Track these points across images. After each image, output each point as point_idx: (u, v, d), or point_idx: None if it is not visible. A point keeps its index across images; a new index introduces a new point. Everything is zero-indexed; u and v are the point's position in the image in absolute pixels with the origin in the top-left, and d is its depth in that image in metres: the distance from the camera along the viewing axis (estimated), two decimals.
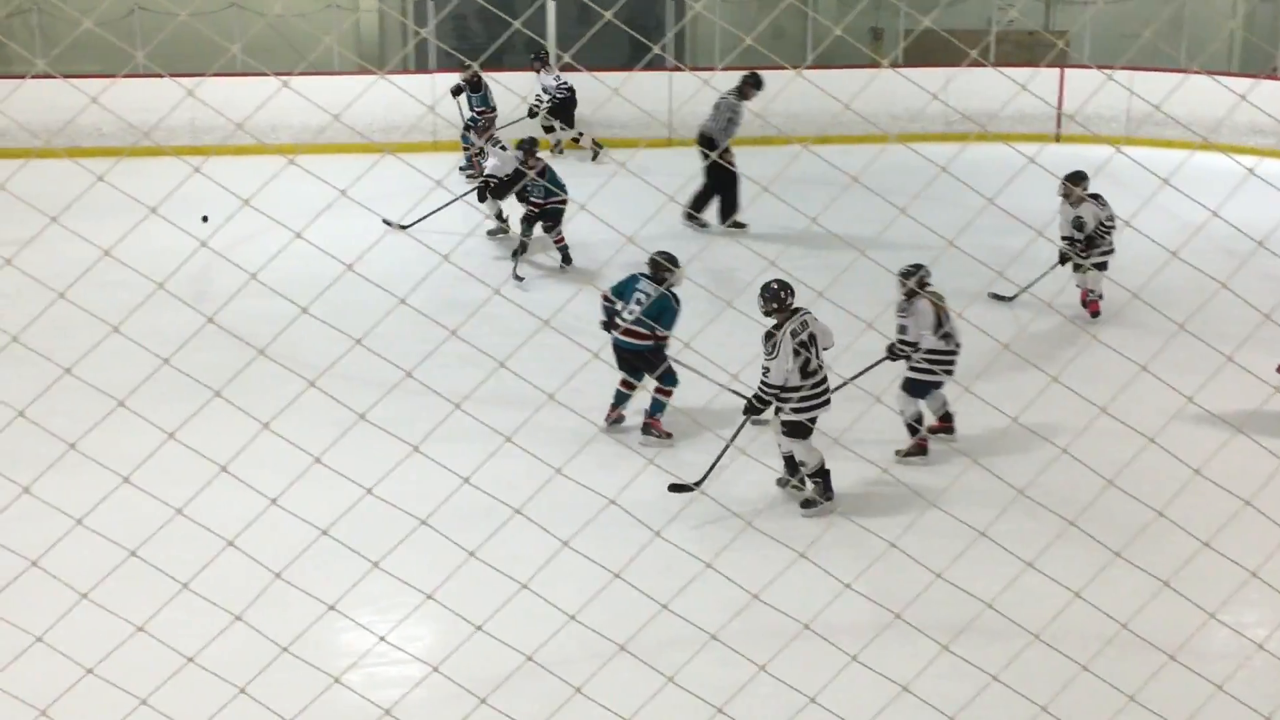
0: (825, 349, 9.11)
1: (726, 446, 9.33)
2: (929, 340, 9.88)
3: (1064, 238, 13.19)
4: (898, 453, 10.15)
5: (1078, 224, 13.03)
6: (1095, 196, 13.01)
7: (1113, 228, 13.02)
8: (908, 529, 7.39)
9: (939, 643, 5.55)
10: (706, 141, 16.77)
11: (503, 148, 16.58)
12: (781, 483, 9.55)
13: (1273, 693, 6.45)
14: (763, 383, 9.04)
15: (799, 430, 9.11)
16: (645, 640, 5.94)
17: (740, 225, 16.82)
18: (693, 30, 25.63)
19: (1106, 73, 18.64)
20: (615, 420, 10.79)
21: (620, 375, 10.65)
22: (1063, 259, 13.24)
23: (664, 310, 10.31)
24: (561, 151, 21.29)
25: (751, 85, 16.92)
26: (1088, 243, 13.00)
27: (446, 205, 16.03)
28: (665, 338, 10.34)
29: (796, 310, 9.05)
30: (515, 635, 5.65)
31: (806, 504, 9.28)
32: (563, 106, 20.95)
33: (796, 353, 8.95)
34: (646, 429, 10.64)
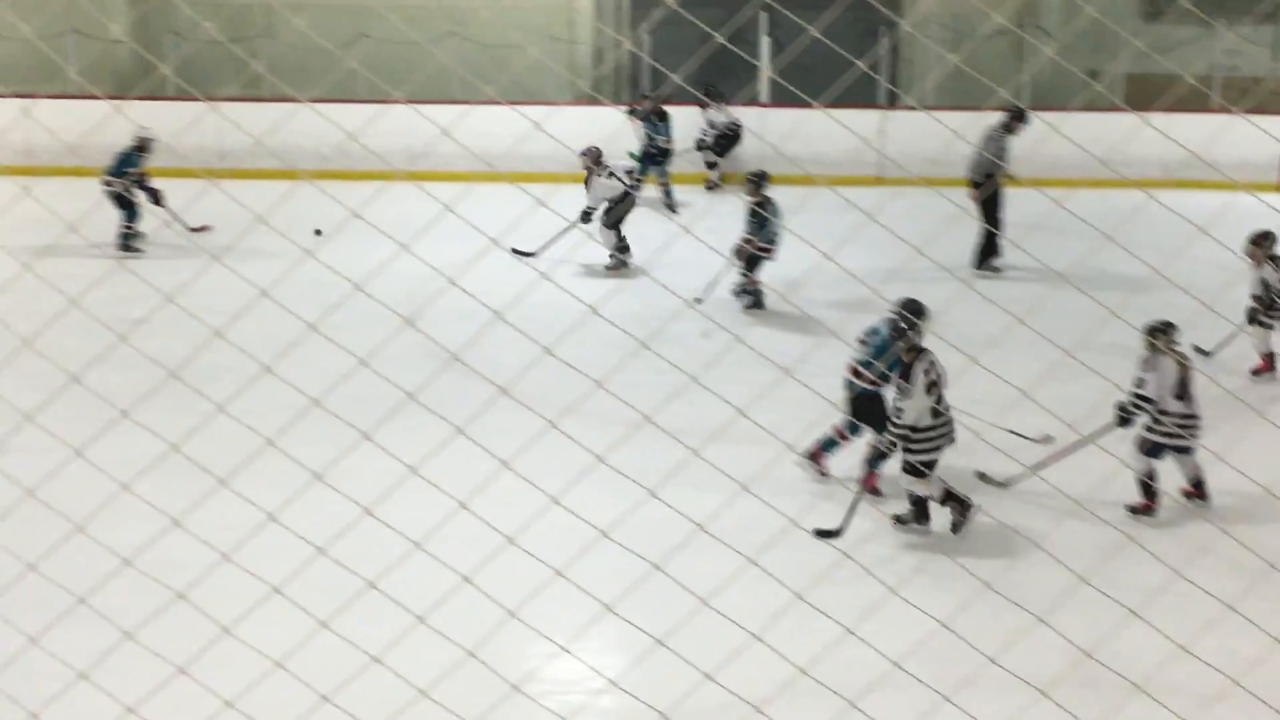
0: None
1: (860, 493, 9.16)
2: (1169, 402, 9.55)
3: (1253, 295, 12.83)
4: (1127, 507, 9.79)
5: (1264, 285, 12.67)
6: (1275, 259, 12.65)
7: None
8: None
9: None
10: (977, 179, 16.54)
11: (611, 174, 16.57)
12: (901, 520, 9.32)
13: None
14: (893, 423, 8.91)
15: (919, 471, 8.99)
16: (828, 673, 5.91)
17: (996, 270, 16.61)
18: (907, 69, 25.52)
19: None
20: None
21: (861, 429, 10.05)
22: (1250, 318, 12.88)
23: (883, 354, 9.67)
24: (717, 187, 21.28)
25: (1016, 119, 16.60)
26: (1270, 304, 12.64)
27: (563, 232, 16.16)
28: (877, 383, 9.76)
29: (924, 350, 8.88)
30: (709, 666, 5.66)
31: (898, 519, 9.19)
32: (727, 143, 21.01)
33: (928, 391, 8.79)
34: (811, 456, 10.18)
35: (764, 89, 21.76)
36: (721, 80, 21.48)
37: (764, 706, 5.63)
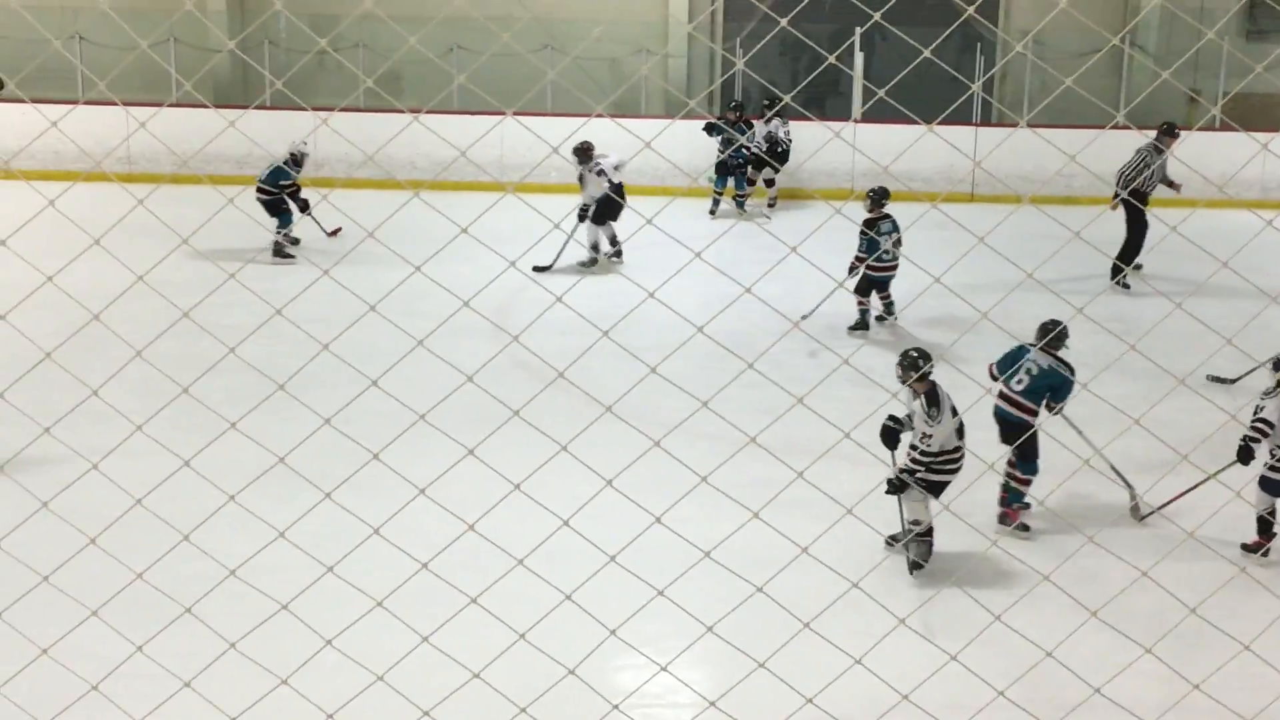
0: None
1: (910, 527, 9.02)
2: None
3: None
4: (1243, 546, 9.50)
5: None
6: None
7: None
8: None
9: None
10: (1132, 192, 16.39)
11: (600, 172, 16.57)
12: (890, 543, 9.12)
13: None
14: (923, 452, 8.74)
15: (937, 489, 8.81)
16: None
17: (1126, 286, 16.51)
18: (1000, 86, 25.33)
19: None
20: (1017, 523, 9.83)
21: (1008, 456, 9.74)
22: None
23: (1061, 385, 9.52)
24: (774, 204, 21.06)
25: (1167, 134, 16.57)
26: None
27: (568, 237, 16.44)
28: (1051, 410, 9.58)
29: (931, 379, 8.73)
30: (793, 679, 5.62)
31: (915, 567, 8.88)
32: (781, 157, 20.88)
33: (954, 413, 8.67)
34: (1004, 519, 9.76)
35: (858, 104, 21.66)
36: (818, 94, 21.43)
37: None
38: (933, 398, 8.71)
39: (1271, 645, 6.24)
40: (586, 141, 16.59)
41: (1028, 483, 9.68)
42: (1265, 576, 8.65)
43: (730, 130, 19.89)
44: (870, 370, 11.52)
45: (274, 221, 16.95)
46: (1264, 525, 9.38)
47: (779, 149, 20.74)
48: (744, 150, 19.92)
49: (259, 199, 16.83)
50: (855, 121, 21.13)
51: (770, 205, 20.93)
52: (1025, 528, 9.67)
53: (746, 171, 20.42)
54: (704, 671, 7.35)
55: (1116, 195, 16.17)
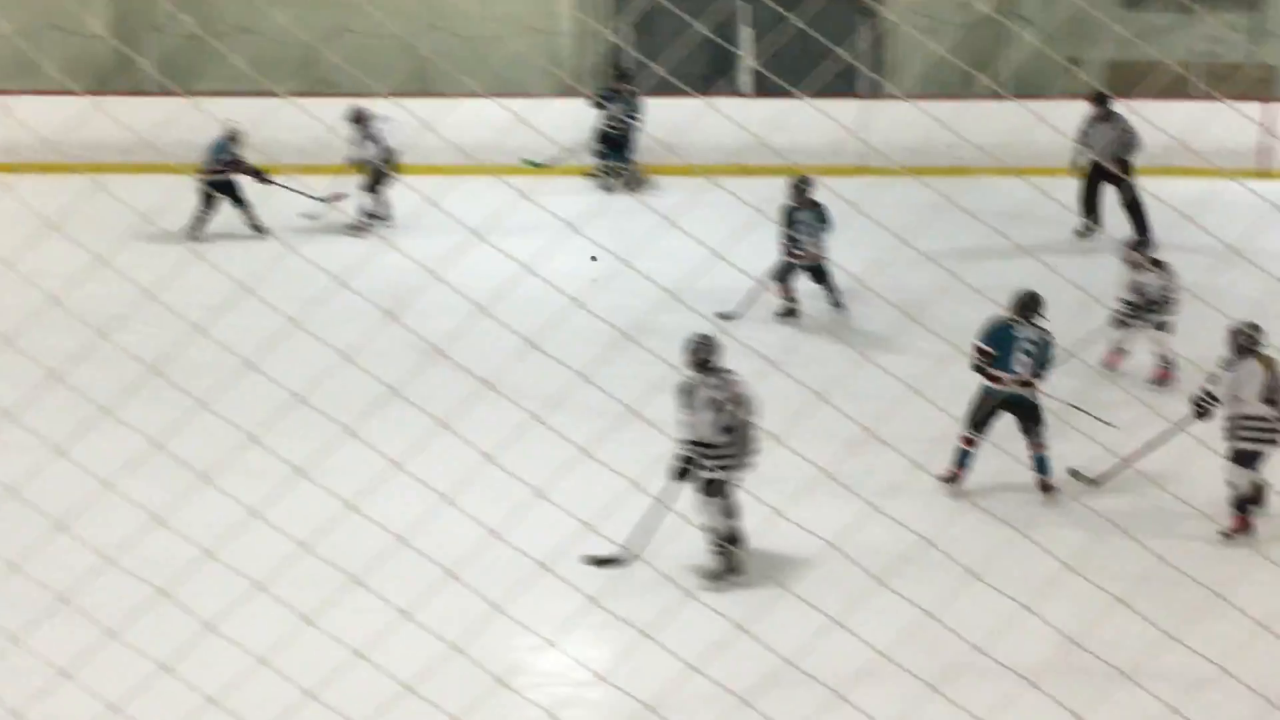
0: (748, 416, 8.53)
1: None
2: (1252, 405, 9.46)
3: (1123, 300, 12.13)
4: (1223, 534, 9.58)
5: (1137, 288, 12.03)
6: (1158, 263, 12.03)
7: (1172, 299, 11.94)
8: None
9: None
10: (1117, 164, 16.64)
11: (370, 138, 16.88)
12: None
13: None
14: (686, 442, 8.51)
15: (716, 490, 8.49)
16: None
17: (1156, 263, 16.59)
18: (891, 57, 25.46)
19: None
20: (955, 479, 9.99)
21: (964, 433, 9.87)
22: (1117, 321, 12.22)
23: (1051, 356, 9.85)
24: (638, 182, 20.55)
25: (1095, 102, 16.91)
26: (1147, 308, 11.96)
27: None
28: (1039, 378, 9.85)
29: (718, 369, 8.59)
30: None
31: (715, 576, 8.40)
32: (625, 135, 20.12)
33: (712, 408, 8.46)
34: (1048, 488, 9.93)
35: (746, 79, 21.67)
36: (713, 71, 21.31)
37: (751, 698, 5.62)
38: (684, 388, 8.53)
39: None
40: (361, 108, 16.91)
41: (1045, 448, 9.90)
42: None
43: (610, 104, 19.66)
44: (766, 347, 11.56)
45: (232, 205, 16.79)
46: (1241, 505, 9.45)
47: (621, 129, 20.12)
48: (625, 123, 19.66)
49: (205, 182, 16.77)
50: (742, 96, 21.16)
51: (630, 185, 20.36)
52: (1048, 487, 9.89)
53: (628, 145, 20.06)
54: (602, 650, 7.36)
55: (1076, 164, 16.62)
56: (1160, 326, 12.00)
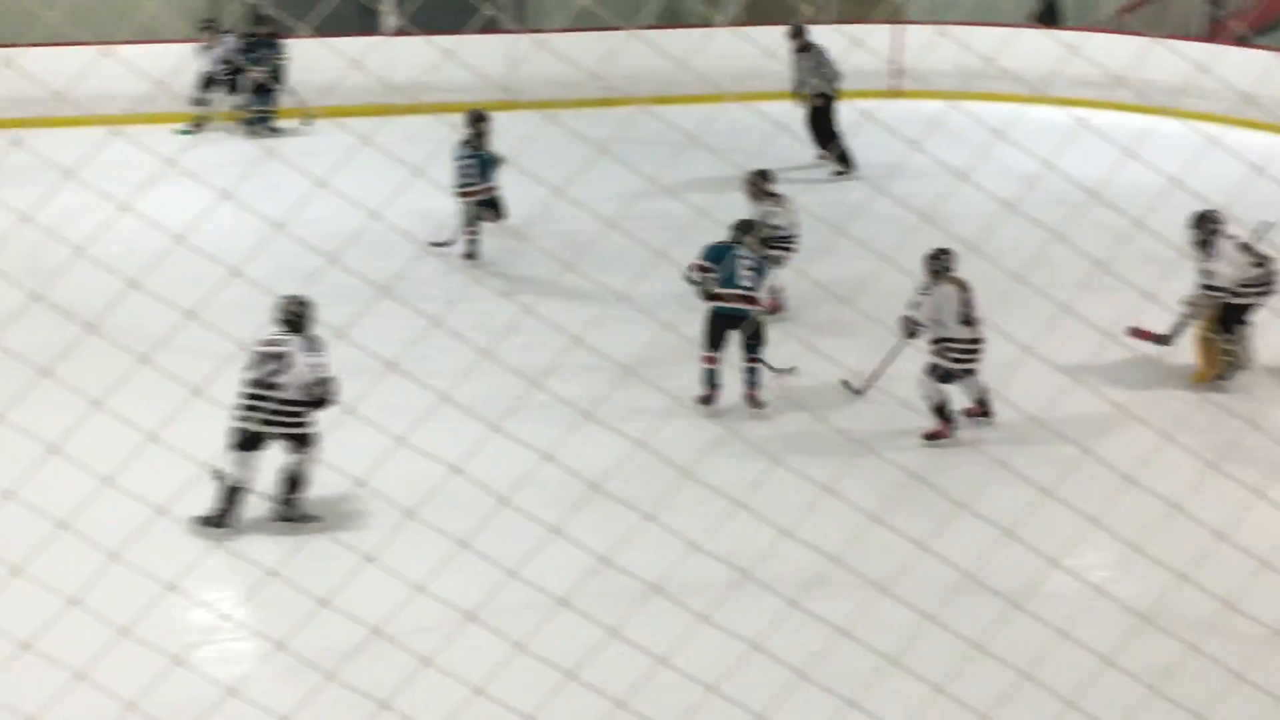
0: None
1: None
2: (951, 328, 9.76)
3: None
4: (923, 436, 9.94)
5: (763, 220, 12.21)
6: (775, 196, 12.20)
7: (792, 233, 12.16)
8: (756, 486, 7.37)
9: (787, 598, 5.61)
10: (819, 95, 17.15)
11: None
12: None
13: (1113, 635, 6.58)
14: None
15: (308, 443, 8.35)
16: (496, 607, 5.91)
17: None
18: None
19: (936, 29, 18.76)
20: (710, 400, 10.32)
21: (705, 353, 10.23)
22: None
23: (766, 274, 10.52)
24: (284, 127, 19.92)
25: (792, 35, 17.35)
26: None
27: None
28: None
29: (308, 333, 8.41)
30: (364, 608, 5.60)
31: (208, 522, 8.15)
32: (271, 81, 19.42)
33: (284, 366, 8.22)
34: (753, 401, 10.30)
35: (390, 19, 21.32)
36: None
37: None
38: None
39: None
40: None
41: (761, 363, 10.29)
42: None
43: (254, 50, 19.01)
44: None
45: None
46: (940, 412, 9.85)
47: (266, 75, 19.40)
48: (271, 68, 19.00)
49: None
50: (389, 35, 20.84)
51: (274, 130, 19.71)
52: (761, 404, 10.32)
53: (274, 90, 19.39)
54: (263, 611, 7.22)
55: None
56: (777, 261, 11.90)
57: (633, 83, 20.59)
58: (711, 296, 10.22)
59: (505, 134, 13.76)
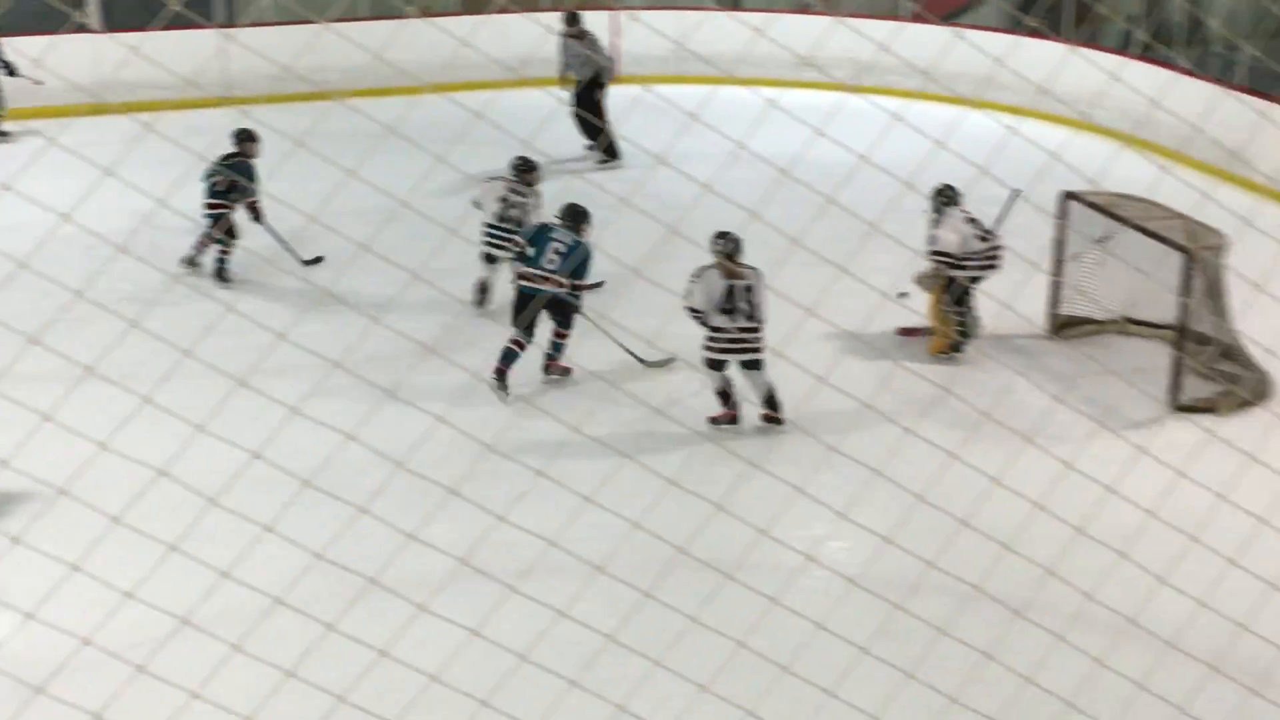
0: None
1: None
2: (715, 317, 9.84)
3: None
4: (709, 419, 10.14)
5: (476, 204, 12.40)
6: (523, 188, 12.33)
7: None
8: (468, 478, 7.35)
9: (507, 584, 5.67)
10: (590, 83, 17.48)
11: None
12: None
13: (825, 604, 6.78)
14: None
15: None
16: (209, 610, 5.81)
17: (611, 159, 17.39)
18: None
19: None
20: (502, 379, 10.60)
21: (511, 333, 10.59)
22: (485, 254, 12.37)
23: (586, 260, 10.53)
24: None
25: (567, 22, 17.65)
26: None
27: None
28: (588, 288, 10.72)
29: None
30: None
31: None
32: None
33: None
34: (549, 369, 10.85)
35: (94, 15, 20.62)
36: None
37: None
38: None
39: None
40: None
41: (568, 336, 10.73)
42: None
43: None
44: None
45: None
46: (724, 398, 9.93)
47: None
48: None
49: None
50: (96, 32, 20.16)
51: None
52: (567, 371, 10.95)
53: None
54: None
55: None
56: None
57: (335, 75, 20.26)
58: (519, 276, 10.57)
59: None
